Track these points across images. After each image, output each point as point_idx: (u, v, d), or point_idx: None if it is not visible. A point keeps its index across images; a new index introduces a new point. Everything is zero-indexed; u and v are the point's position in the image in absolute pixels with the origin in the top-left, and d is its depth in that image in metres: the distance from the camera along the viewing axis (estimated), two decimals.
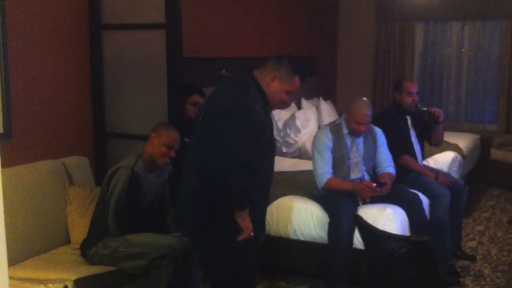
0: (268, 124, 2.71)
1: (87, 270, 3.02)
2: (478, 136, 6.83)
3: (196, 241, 2.77)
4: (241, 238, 2.58)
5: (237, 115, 2.55)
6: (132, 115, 3.97)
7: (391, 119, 4.35)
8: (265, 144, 2.67)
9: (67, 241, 3.46)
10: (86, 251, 3.19)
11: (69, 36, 3.79)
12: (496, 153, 6.47)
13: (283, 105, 2.79)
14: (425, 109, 4.29)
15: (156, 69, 3.77)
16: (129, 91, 3.94)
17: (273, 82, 2.67)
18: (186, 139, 4.01)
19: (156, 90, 3.79)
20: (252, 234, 2.60)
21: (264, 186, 2.75)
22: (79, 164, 3.72)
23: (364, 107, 3.79)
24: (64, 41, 3.76)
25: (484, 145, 6.78)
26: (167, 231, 3.27)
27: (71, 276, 2.88)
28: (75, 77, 3.87)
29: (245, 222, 2.58)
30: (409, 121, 4.41)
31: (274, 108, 2.80)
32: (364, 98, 3.88)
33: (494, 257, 4.43)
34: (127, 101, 3.95)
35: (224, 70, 5.31)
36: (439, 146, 4.70)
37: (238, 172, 2.51)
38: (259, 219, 2.73)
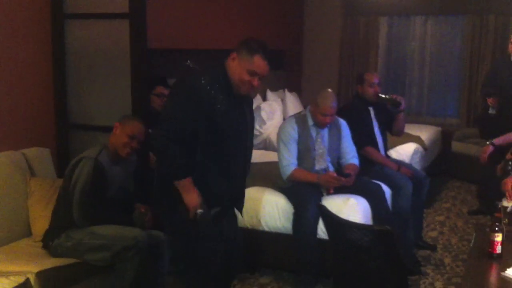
0: (233, 111, 2.74)
1: (49, 262, 2.97)
2: (439, 129, 6.98)
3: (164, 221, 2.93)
4: (190, 215, 2.68)
5: (183, 93, 2.65)
6: (95, 106, 3.91)
7: (354, 112, 4.42)
8: (229, 129, 2.73)
9: (28, 233, 3.40)
10: (49, 243, 3.14)
11: (30, 25, 3.71)
12: (457, 146, 6.60)
13: (247, 87, 2.75)
14: (387, 96, 4.36)
15: (120, 60, 3.72)
16: (93, 82, 3.88)
17: (233, 62, 2.72)
18: (150, 130, 4.00)
19: (120, 81, 3.74)
20: (198, 210, 2.68)
21: (230, 167, 2.82)
22: (40, 155, 3.65)
23: (329, 99, 3.83)
24: (26, 31, 3.68)
25: (445, 137, 6.94)
26: (131, 226, 3.23)
27: (33, 268, 2.84)
28: (37, 67, 3.79)
29: (187, 196, 2.69)
30: (372, 113, 4.48)
31: (240, 92, 2.78)
32: (329, 90, 3.92)
33: (455, 247, 4.54)
34: (91, 92, 3.89)
35: (189, 61, 5.28)
36: (400, 135, 4.80)
37: (174, 145, 2.61)
38: (228, 194, 2.85)
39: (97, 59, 3.84)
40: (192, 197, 2.70)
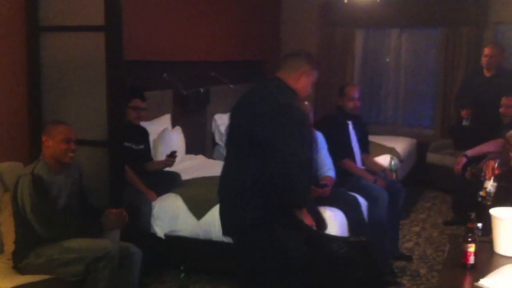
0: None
1: (23, 279, 2.94)
2: (415, 140, 7.06)
3: (256, 246, 2.80)
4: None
5: (294, 119, 2.69)
6: (71, 119, 3.85)
7: (333, 124, 4.47)
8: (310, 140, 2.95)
9: (1, 249, 3.34)
10: (18, 264, 3.09)
11: (5, 38, 3.68)
12: (432, 157, 6.68)
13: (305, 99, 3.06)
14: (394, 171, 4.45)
15: (96, 72, 3.70)
16: (69, 94, 3.85)
17: (301, 78, 2.86)
18: (126, 144, 3.98)
19: (96, 94, 3.72)
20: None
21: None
22: (13, 170, 3.59)
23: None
24: (0, 44, 3.64)
25: (420, 148, 7.01)
26: (101, 232, 3.21)
27: (6, 285, 2.79)
28: (11, 80, 3.75)
29: (308, 217, 3.00)
30: (350, 126, 4.53)
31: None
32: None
33: (430, 257, 4.58)
34: (66, 105, 3.86)
35: (165, 74, 5.28)
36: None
37: (302, 172, 2.67)
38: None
39: (73, 71, 3.81)
40: (310, 220, 2.93)
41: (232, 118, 2.95)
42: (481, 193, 3.28)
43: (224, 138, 2.83)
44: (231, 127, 2.94)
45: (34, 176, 3.07)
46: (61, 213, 3.16)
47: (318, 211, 3.32)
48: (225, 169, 2.93)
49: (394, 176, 4.55)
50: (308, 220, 2.85)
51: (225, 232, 3.03)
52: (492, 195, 3.22)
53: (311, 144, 2.84)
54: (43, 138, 3.21)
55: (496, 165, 3.57)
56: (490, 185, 3.31)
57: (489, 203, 3.06)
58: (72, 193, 3.28)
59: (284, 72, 2.88)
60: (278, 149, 2.63)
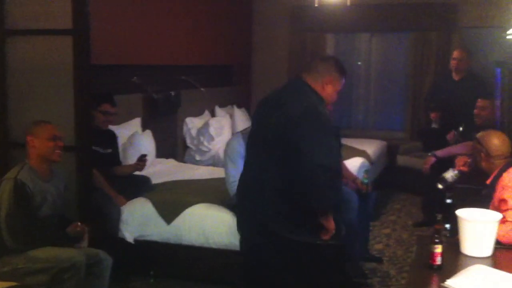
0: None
1: None
2: (385, 143, 7.13)
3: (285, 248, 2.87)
4: (326, 236, 2.82)
5: (320, 122, 2.73)
6: None
7: None
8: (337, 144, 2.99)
9: None
10: None
11: None
12: (402, 159, 6.75)
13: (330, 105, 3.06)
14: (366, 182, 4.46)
15: (64, 76, 3.66)
16: (35, 98, 3.79)
17: (327, 86, 2.92)
18: (94, 148, 3.93)
19: (64, 98, 3.67)
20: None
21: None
22: None
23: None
24: None
25: (391, 151, 7.08)
26: (69, 242, 3.16)
27: None
28: None
29: (330, 223, 2.85)
30: None
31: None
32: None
33: (400, 259, 4.62)
34: (33, 109, 3.79)
35: (135, 78, 5.24)
36: None
37: (332, 174, 2.71)
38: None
39: (40, 75, 3.76)
40: (332, 223, 2.86)
41: (260, 118, 2.99)
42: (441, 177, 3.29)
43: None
44: (258, 127, 2.98)
45: (17, 182, 3.00)
46: (39, 223, 3.08)
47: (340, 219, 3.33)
48: (250, 166, 3.01)
49: (365, 189, 4.52)
50: (330, 226, 2.83)
51: (243, 228, 3.13)
52: (448, 182, 3.22)
53: (338, 149, 2.94)
54: (28, 139, 3.15)
55: (467, 162, 3.58)
56: (450, 173, 3.31)
57: (440, 186, 3.09)
58: (56, 205, 3.21)
59: (311, 77, 2.92)
60: (306, 151, 2.67)
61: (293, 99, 2.82)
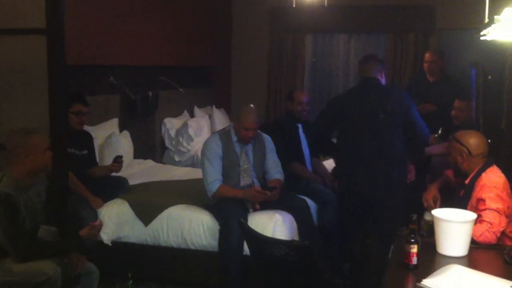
0: None
1: None
2: None
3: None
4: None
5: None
6: (12, 126, 3.75)
7: (281, 128, 4.49)
8: None
9: None
10: None
11: None
12: None
13: None
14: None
15: (37, 77, 3.59)
16: (8, 100, 3.73)
17: (383, 79, 3.94)
18: (70, 150, 3.87)
19: (38, 99, 3.61)
20: None
21: None
22: None
23: (251, 113, 3.86)
24: None
25: None
26: (81, 250, 3.08)
27: None
28: None
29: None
30: (300, 129, 4.55)
31: None
32: (251, 105, 3.95)
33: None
34: (5, 111, 3.73)
35: (112, 78, 5.19)
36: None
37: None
38: None
39: (13, 76, 3.69)
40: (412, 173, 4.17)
41: (361, 109, 3.84)
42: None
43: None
44: (366, 113, 3.81)
45: (1, 195, 2.85)
46: (25, 237, 2.94)
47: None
48: (361, 143, 3.84)
49: None
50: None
51: (365, 190, 3.86)
52: (431, 223, 3.04)
53: None
54: (21, 157, 2.98)
55: (436, 196, 3.44)
56: (428, 216, 3.14)
57: (424, 234, 3.01)
58: (37, 213, 3.08)
59: (375, 73, 3.88)
60: (420, 125, 3.87)
61: (388, 90, 4.16)
